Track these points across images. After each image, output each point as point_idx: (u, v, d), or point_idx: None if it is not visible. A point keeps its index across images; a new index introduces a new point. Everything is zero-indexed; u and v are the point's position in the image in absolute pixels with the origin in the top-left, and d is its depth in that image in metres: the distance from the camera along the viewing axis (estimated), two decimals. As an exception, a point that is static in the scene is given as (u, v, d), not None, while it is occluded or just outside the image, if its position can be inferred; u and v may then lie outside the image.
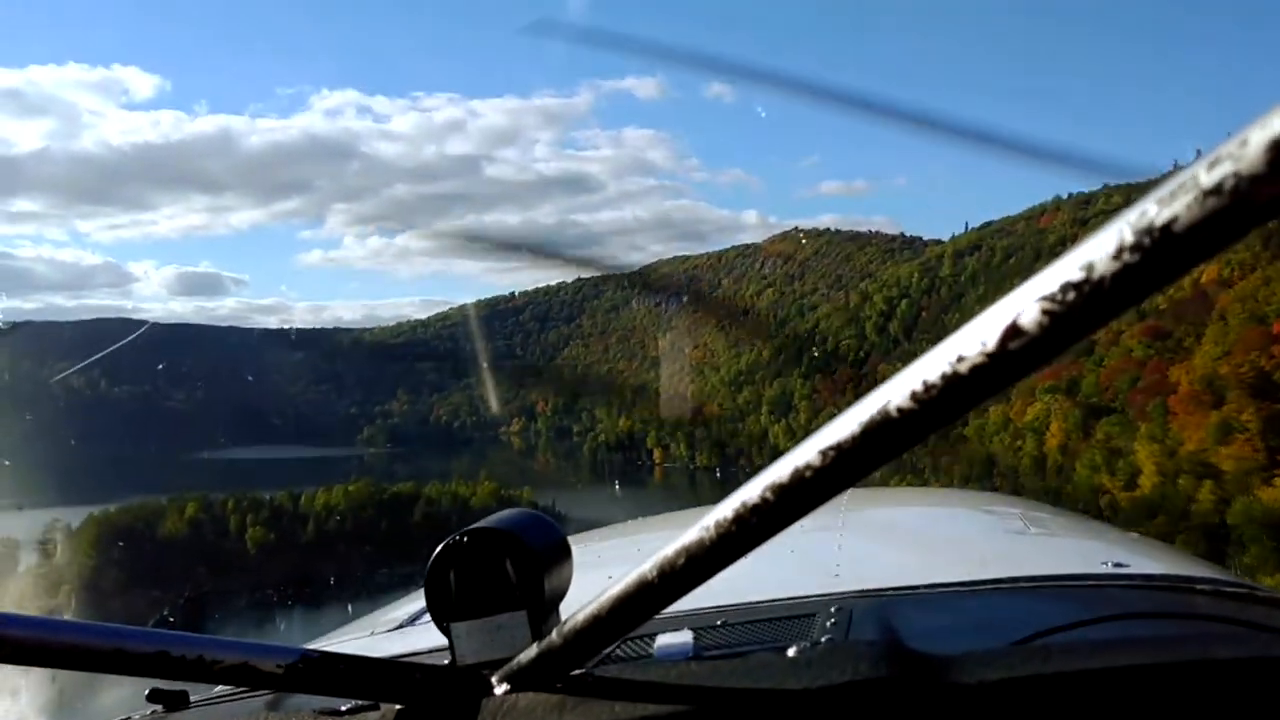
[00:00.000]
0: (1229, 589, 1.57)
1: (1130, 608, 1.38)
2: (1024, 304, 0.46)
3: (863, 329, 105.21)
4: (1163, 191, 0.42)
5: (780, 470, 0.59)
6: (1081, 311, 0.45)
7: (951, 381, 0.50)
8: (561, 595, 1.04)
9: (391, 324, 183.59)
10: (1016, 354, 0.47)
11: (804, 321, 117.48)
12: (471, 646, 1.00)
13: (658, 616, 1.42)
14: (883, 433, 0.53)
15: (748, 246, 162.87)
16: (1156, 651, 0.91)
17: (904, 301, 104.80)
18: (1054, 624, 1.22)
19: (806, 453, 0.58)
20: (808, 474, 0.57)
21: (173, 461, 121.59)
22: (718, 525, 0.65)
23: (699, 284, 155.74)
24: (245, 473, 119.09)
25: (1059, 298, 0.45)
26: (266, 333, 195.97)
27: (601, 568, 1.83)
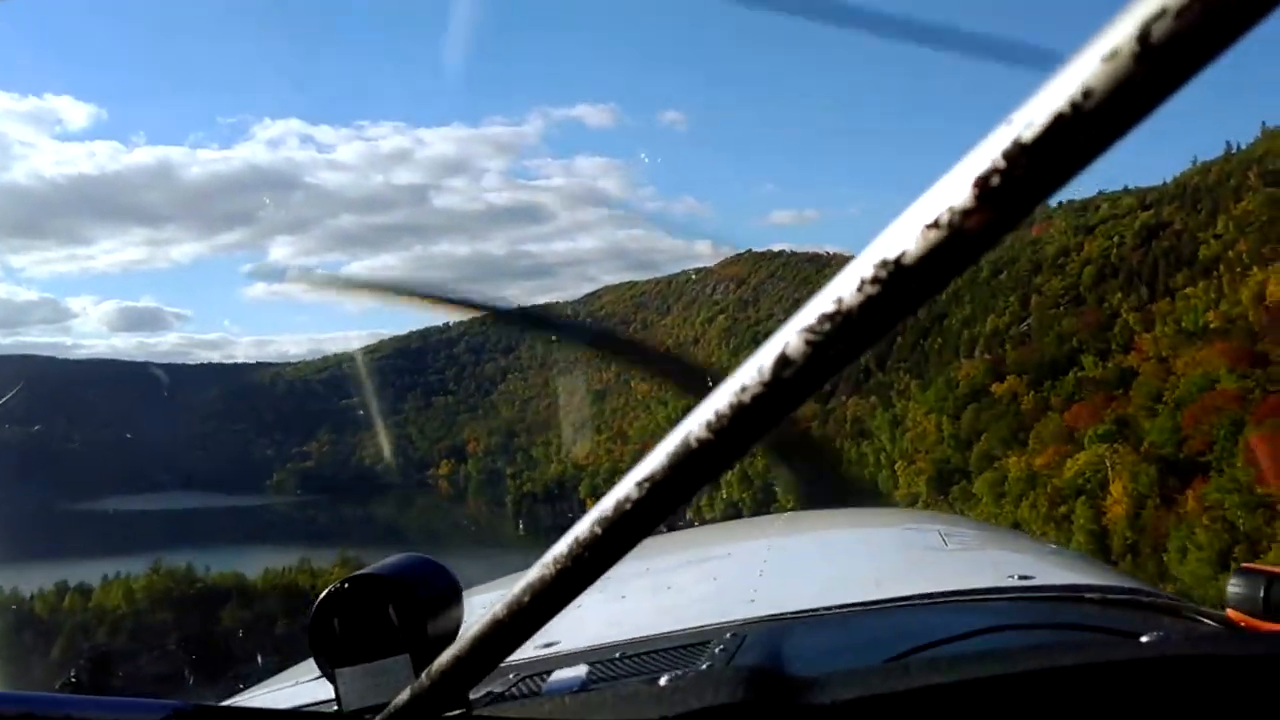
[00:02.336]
0: (1115, 596, 1.63)
1: (1012, 619, 1.42)
2: (790, 335, 0.49)
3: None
4: (895, 227, 0.45)
5: (605, 505, 0.61)
6: (836, 340, 0.48)
7: (739, 411, 0.51)
8: (450, 637, 1.05)
9: (318, 358, 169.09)
10: (789, 381, 0.50)
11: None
12: (356, 691, 1.02)
13: (562, 652, 1.46)
14: (688, 463, 0.55)
15: (699, 270, 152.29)
16: (1005, 663, 0.94)
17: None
18: (934, 638, 1.25)
19: (625, 486, 0.59)
20: (628, 506, 0.59)
21: (46, 514, 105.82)
22: (555, 562, 0.65)
23: (646, 311, 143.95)
24: (123, 529, 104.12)
25: (817, 328, 0.48)
26: (180, 368, 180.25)
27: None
